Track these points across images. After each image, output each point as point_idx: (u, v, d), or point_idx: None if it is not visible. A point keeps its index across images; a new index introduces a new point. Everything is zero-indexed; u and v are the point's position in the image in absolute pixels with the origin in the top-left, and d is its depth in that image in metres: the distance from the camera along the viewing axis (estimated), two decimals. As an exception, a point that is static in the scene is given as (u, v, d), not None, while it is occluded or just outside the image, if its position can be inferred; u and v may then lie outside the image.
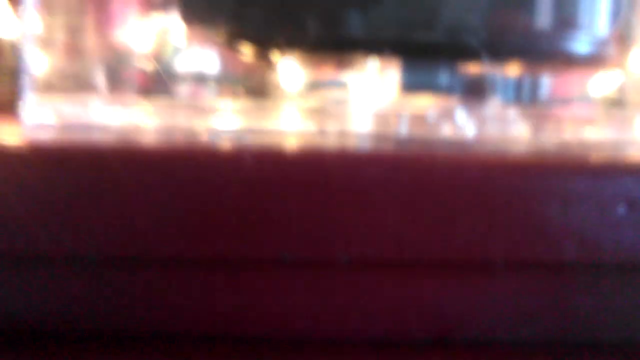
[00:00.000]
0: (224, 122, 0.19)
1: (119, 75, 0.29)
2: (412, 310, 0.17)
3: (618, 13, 0.23)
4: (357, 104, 0.21)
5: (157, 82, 0.41)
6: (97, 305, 0.17)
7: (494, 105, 0.22)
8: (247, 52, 0.22)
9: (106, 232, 0.16)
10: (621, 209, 0.17)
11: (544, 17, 0.21)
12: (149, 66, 0.39)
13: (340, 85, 0.25)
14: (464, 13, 0.20)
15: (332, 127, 0.18)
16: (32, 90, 0.18)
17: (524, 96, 0.22)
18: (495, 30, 0.20)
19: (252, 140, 0.18)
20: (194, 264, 0.17)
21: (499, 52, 0.21)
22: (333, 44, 0.21)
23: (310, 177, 0.16)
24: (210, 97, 0.26)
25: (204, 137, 0.18)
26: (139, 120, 0.19)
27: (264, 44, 0.21)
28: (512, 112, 0.22)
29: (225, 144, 0.17)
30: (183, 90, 0.28)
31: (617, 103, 0.36)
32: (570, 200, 0.17)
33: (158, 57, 0.41)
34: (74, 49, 0.24)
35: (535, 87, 0.22)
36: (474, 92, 0.23)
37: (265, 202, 0.16)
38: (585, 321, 0.17)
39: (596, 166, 0.17)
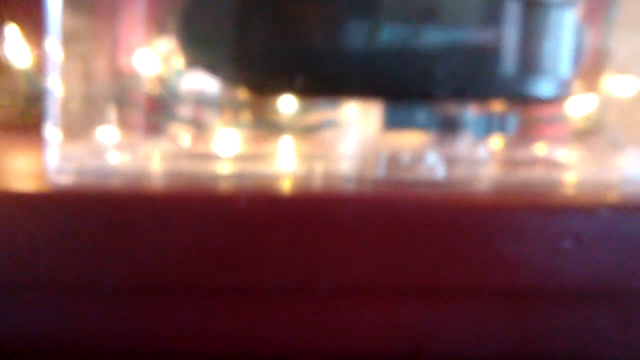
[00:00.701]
0: (223, 166, 0.22)
1: (129, 103, 0.32)
2: (388, 330, 0.20)
3: (581, 55, 0.26)
4: (343, 142, 0.24)
5: (162, 106, 0.44)
6: (112, 327, 0.19)
7: (464, 143, 0.24)
8: (244, 93, 0.24)
9: (120, 264, 0.19)
10: (568, 243, 0.19)
11: (509, 65, 0.23)
12: (156, 90, 0.42)
13: (333, 107, 0.27)
14: (436, 66, 0.22)
15: (319, 168, 0.21)
16: (55, 141, 0.20)
17: (494, 131, 0.25)
18: (463, 80, 0.23)
19: (248, 183, 0.20)
20: (196, 292, 0.19)
21: (467, 97, 0.23)
22: (322, 90, 0.23)
23: (297, 216, 0.19)
24: (212, 119, 0.29)
25: (205, 181, 0.20)
26: (148, 165, 0.22)
27: (259, 89, 0.23)
28: (481, 149, 0.24)
29: (224, 187, 0.20)
30: (185, 112, 0.31)
31: (590, 129, 0.39)
32: (524, 235, 0.19)
33: (163, 82, 0.43)
34: (88, 80, 0.26)
35: (504, 123, 0.25)
36: (449, 128, 0.25)
37: (259, 238, 0.19)
38: (538, 340, 0.20)
39: (547, 206, 0.19)
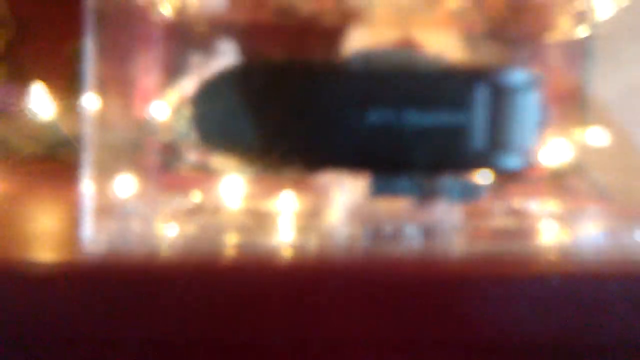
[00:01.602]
0: (229, 235, 0.25)
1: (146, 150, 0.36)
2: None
3: (543, 128, 0.30)
4: (333, 211, 0.28)
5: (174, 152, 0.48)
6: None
7: (441, 208, 0.28)
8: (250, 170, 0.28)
9: (139, 321, 0.22)
10: (524, 305, 0.23)
11: (479, 142, 0.27)
12: (168, 137, 0.46)
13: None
14: (416, 143, 0.26)
15: (314, 238, 0.25)
16: (90, 217, 0.24)
17: (467, 196, 0.28)
18: (439, 155, 0.27)
19: (251, 252, 0.24)
20: (205, 347, 0.23)
21: (443, 170, 0.27)
22: (321, 165, 0.27)
23: (292, 285, 0.22)
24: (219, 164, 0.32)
25: (214, 247, 0.24)
26: (165, 232, 0.26)
27: (268, 168, 0.27)
28: (455, 214, 0.28)
29: (229, 257, 0.23)
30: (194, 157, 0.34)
31: (570, 172, 0.43)
32: (487, 298, 0.23)
33: (175, 129, 0.47)
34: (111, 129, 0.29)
35: (476, 190, 0.28)
36: (428, 195, 0.29)
37: (260, 303, 0.22)
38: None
39: (505, 273, 0.23)
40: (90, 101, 0.25)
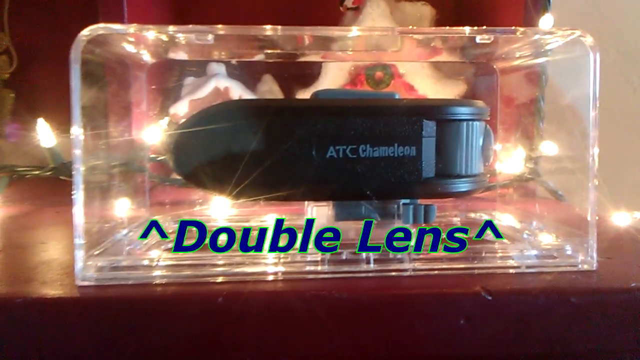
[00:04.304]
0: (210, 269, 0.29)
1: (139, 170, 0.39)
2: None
3: (490, 154, 0.33)
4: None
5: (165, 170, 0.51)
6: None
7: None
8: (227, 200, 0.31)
9: (133, 349, 0.26)
10: (462, 321, 0.26)
11: (429, 170, 0.30)
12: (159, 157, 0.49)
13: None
14: (372, 174, 0.29)
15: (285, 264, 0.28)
16: (81, 252, 0.28)
17: (419, 219, 0.32)
18: (392, 186, 0.30)
19: (229, 279, 0.27)
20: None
21: (396, 197, 0.31)
22: (287, 198, 0.30)
23: (262, 310, 0.26)
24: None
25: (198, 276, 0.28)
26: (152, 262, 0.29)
27: (236, 197, 0.30)
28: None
29: (209, 286, 0.27)
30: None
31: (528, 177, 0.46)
32: (430, 315, 0.26)
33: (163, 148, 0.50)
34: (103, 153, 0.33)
35: (428, 212, 0.32)
36: (385, 218, 0.32)
37: (233, 324, 0.26)
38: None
39: (445, 293, 0.26)
40: (78, 132, 0.28)
